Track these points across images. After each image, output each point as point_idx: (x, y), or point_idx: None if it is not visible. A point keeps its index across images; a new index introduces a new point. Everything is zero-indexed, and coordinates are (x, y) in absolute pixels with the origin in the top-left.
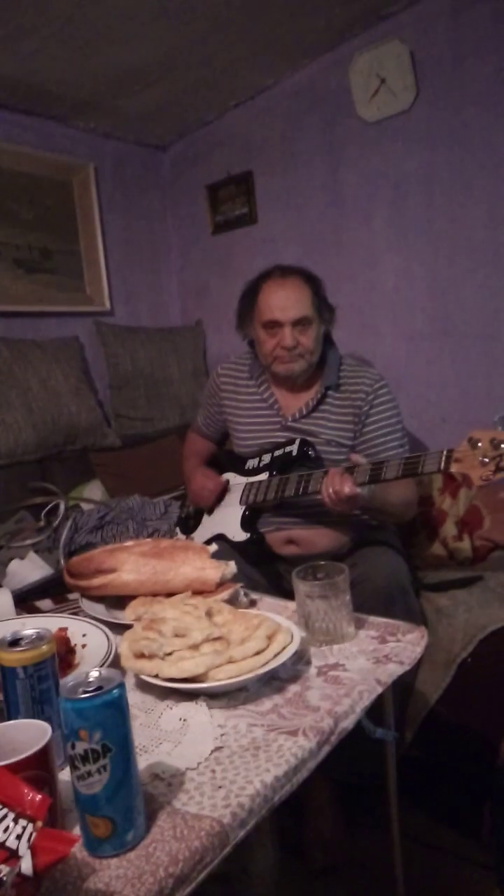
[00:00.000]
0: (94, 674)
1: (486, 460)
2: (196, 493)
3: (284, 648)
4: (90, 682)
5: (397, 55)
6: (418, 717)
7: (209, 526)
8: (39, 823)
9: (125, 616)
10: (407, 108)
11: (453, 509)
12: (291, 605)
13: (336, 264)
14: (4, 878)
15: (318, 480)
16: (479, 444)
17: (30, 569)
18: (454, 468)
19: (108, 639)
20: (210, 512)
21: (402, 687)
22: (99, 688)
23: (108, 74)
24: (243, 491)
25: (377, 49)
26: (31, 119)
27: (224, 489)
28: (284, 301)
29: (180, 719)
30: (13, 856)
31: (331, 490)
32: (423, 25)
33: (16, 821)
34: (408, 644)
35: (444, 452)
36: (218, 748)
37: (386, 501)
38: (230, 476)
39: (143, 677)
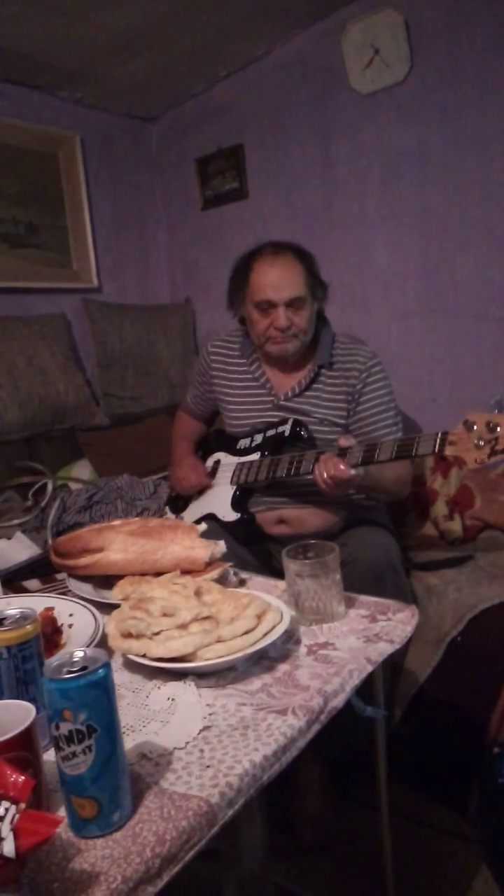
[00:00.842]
0: (79, 654)
1: (481, 443)
2: (178, 481)
3: (274, 628)
4: (75, 661)
5: (392, 24)
6: (407, 696)
7: (199, 505)
8: (23, 805)
9: (113, 596)
10: (401, 79)
11: (444, 489)
12: (281, 584)
13: (327, 240)
14: None
15: (311, 461)
16: (475, 427)
17: (17, 549)
18: (448, 451)
19: (95, 618)
20: (199, 493)
21: (392, 665)
22: (84, 668)
23: (94, 42)
24: (234, 471)
25: (371, 18)
26: (14, 88)
27: (215, 467)
28: (278, 280)
29: (168, 699)
30: None
31: (325, 475)
32: None
33: None
34: (398, 623)
35: (439, 435)
36: (206, 727)
37: (380, 480)
38: (221, 455)
39: (131, 657)
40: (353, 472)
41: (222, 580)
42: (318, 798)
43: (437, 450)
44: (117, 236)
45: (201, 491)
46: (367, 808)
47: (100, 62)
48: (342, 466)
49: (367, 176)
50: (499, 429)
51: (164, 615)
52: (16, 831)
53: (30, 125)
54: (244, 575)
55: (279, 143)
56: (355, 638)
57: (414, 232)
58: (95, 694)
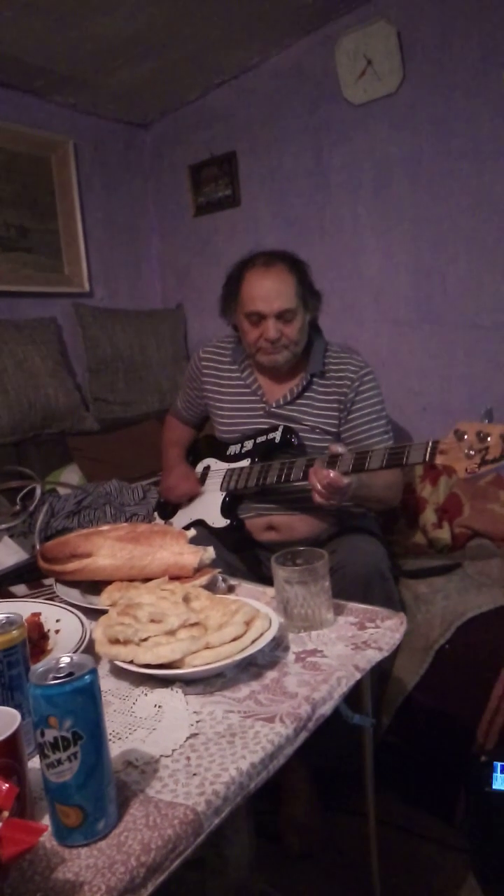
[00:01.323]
0: (65, 660)
1: (472, 453)
2: (168, 489)
3: (262, 634)
4: (61, 668)
5: (384, 36)
6: (395, 703)
7: (188, 511)
8: (6, 814)
9: (101, 601)
10: (393, 90)
11: (433, 497)
12: (270, 591)
13: (319, 249)
14: None
15: (301, 468)
16: (465, 437)
17: (4, 553)
18: (439, 460)
19: (82, 624)
20: (188, 499)
21: (380, 673)
22: (70, 674)
23: (88, 48)
24: (224, 477)
25: (364, 29)
26: (7, 92)
27: (204, 473)
28: (268, 292)
29: (155, 706)
30: None
31: (319, 486)
32: (410, 6)
33: None
34: (387, 630)
35: (430, 444)
36: (193, 735)
37: (372, 489)
38: (211, 461)
39: (118, 663)
40: (345, 481)
41: (211, 586)
42: (305, 806)
43: (427, 458)
44: (109, 241)
45: (191, 497)
46: (354, 816)
47: (94, 68)
48: (332, 475)
49: (360, 185)
50: (489, 438)
51: (152, 621)
52: None
53: (23, 129)
54: (233, 581)
55: (272, 151)
56: (344, 645)
57: (405, 241)
58: (81, 700)
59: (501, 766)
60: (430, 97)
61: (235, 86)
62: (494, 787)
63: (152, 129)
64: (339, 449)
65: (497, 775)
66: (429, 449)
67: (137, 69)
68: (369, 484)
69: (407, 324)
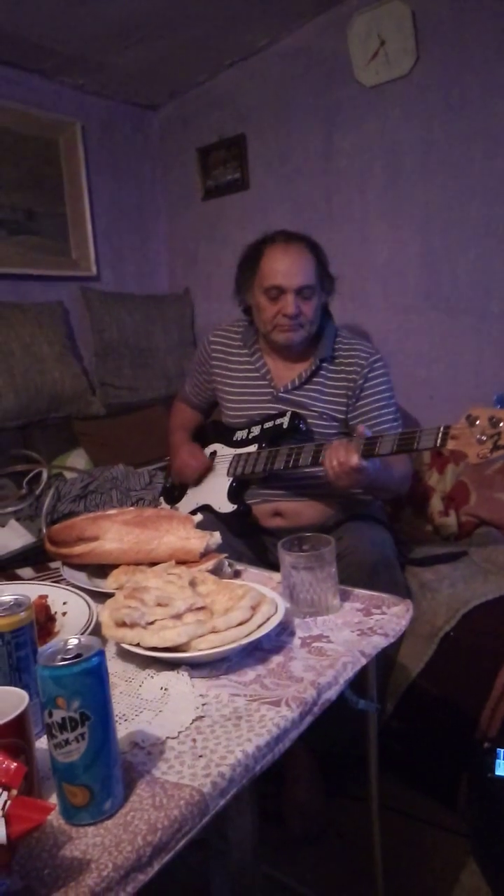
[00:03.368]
0: (73, 641)
1: (484, 438)
2: (179, 470)
3: (268, 619)
4: (69, 649)
5: (398, 16)
6: (400, 689)
7: (195, 496)
8: (14, 791)
9: (107, 585)
10: (406, 72)
11: (440, 485)
12: (276, 576)
13: (328, 233)
14: None
15: (309, 454)
16: (477, 422)
17: (11, 536)
18: (450, 445)
19: (89, 607)
20: (196, 482)
21: (385, 659)
22: (78, 655)
23: (97, 28)
24: (231, 462)
25: (377, 9)
26: (15, 72)
27: (208, 469)
28: (289, 267)
29: (161, 688)
30: None
31: (335, 462)
32: None
33: None
34: (393, 617)
35: (441, 429)
36: (199, 717)
37: (387, 477)
38: (218, 447)
39: (125, 646)
40: (363, 462)
41: (217, 571)
42: (309, 789)
43: (438, 444)
44: (117, 225)
45: (197, 481)
46: (356, 801)
47: (102, 48)
48: (353, 455)
49: (370, 169)
50: (502, 424)
51: (159, 605)
52: (7, 817)
53: (30, 110)
54: (239, 566)
55: (281, 134)
56: (349, 631)
57: (415, 226)
58: (89, 682)
59: None
60: (443, 79)
61: (245, 67)
62: (497, 773)
63: (161, 112)
64: (363, 430)
65: (500, 762)
66: (440, 434)
67: (146, 50)
68: (386, 472)
69: (415, 311)
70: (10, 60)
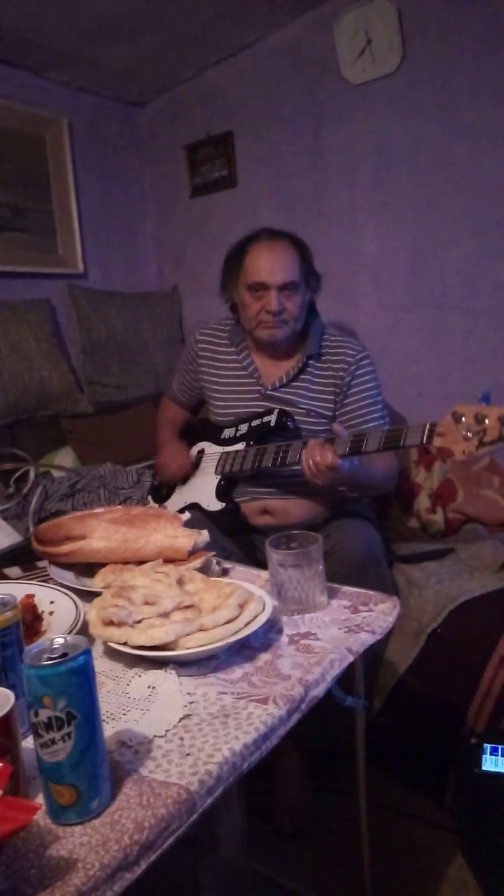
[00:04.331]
0: (59, 640)
1: (470, 435)
2: (162, 468)
3: (256, 617)
4: (55, 648)
5: (385, 14)
6: (387, 686)
7: (183, 495)
8: (0, 792)
9: (94, 583)
10: (393, 70)
11: (427, 482)
12: (264, 574)
13: (317, 231)
14: None
15: (297, 452)
16: (463, 419)
17: None
18: (437, 442)
19: (76, 606)
20: (184, 480)
21: (372, 656)
22: (64, 654)
23: (84, 24)
24: (219, 460)
25: (364, 7)
26: (1, 68)
27: (199, 456)
28: (273, 264)
29: (149, 687)
30: None
31: (311, 462)
32: None
33: None
34: (380, 614)
35: (427, 426)
36: (187, 716)
37: (367, 475)
38: (205, 445)
39: (112, 645)
40: (338, 460)
41: (205, 569)
42: (297, 786)
43: (424, 441)
44: (104, 222)
45: (185, 480)
46: (344, 797)
47: (90, 44)
48: (328, 453)
49: (358, 166)
50: (487, 420)
51: (146, 603)
52: None
53: (16, 106)
54: (227, 564)
55: (269, 131)
56: (337, 628)
57: (403, 224)
58: (75, 681)
59: (491, 748)
60: (430, 78)
61: (233, 64)
62: (484, 768)
63: (148, 108)
64: (339, 429)
65: (486, 757)
66: (426, 431)
67: (133, 46)
68: (364, 469)
69: (403, 308)
70: None
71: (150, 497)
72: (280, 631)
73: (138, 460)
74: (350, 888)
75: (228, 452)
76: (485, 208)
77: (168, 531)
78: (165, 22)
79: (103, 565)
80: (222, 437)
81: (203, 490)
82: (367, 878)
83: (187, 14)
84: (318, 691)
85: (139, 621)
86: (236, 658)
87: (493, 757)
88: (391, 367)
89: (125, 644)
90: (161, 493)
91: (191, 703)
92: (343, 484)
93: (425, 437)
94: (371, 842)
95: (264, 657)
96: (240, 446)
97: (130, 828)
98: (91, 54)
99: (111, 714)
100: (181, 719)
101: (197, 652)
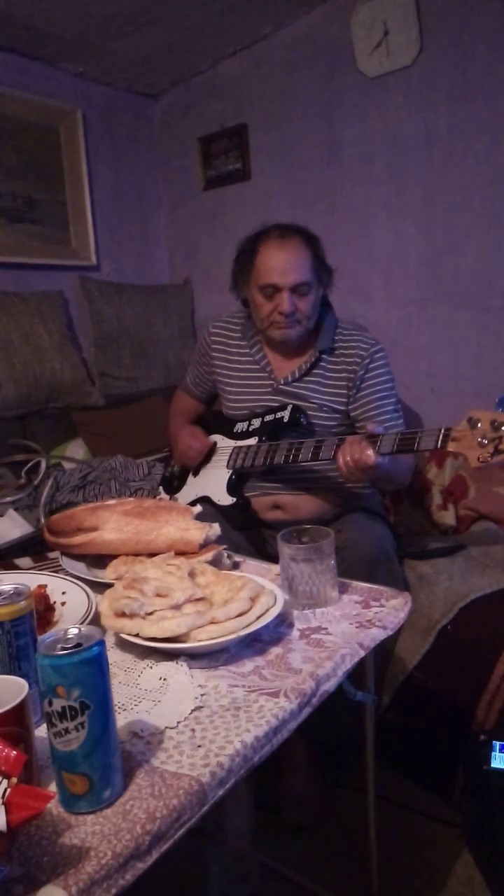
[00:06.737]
0: (73, 631)
1: (485, 441)
2: (182, 453)
3: (267, 611)
4: (69, 638)
5: (403, 5)
6: (396, 682)
7: (194, 488)
8: (14, 780)
9: (106, 575)
10: (409, 63)
11: (439, 479)
12: (275, 567)
13: (330, 225)
14: None
15: (309, 450)
16: (479, 425)
17: (9, 526)
18: (451, 447)
19: (88, 597)
20: (195, 472)
21: (382, 651)
22: (78, 645)
23: (98, 14)
24: (231, 455)
25: None
26: (15, 58)
27: (211, 449)
28: (284, 265)
29: (160, 679)
30: None
31: (349, 458)
32: None
33: None
34: (391, 610)
35: (442, 431)
36: (198, 708)
37: (394, 471)
38: (218, 438)
39: (124, 636)
40: (378, 459)
41: (216, 562)
42: (304, 780)
43: (439, 445)
44: (117, 214)
45: (196, 472)
46: (352, 791)
47: (103, 35)
48: (369, 452)
49: (372, 160)
50: (503, 427)
51: (158, 595)
52: (7, 805)
53: (30, 96)
54: (238, 558)
55: (283, 124)
56: (348, 623)
57: (417, 218)
58: (89, 671)
59: (500, 745)
60: (446, 70)
61: (247, 56)
62: (492, 765)
63: (162, 100)
64: (378, 429)
65: (495, 754)
66: (441, 436)
67: (147, 37)
68: (393, 467)
69: (417, 303)
70: (11, 46)
71: (161, 488)
72: (291, 625)
73: (149, 453)
74: (357, 882)
75: (240, 447)
76: (500, 203)
77: (180, 524)
78: (180, 13)
79: (115, 557)
80: (235, 430)
81: (214, 484)
82: (373, 872)
83: (202, 5)
84: (330, 686)
85: (151, 613)
86: (247, 651)
87: (503, 754)
88: (403, 363)
89: (137, 635)
90: (172, 485)
91: (202, 695)
92: (371, 480)
93: (440, 442)
94: (378, 836)
95: (275, 651)
96: (252, 441)
97: (142, 818)
98: (105, 45)
99: (123, 705)
100: (192, 711)
101: (208, 644)
